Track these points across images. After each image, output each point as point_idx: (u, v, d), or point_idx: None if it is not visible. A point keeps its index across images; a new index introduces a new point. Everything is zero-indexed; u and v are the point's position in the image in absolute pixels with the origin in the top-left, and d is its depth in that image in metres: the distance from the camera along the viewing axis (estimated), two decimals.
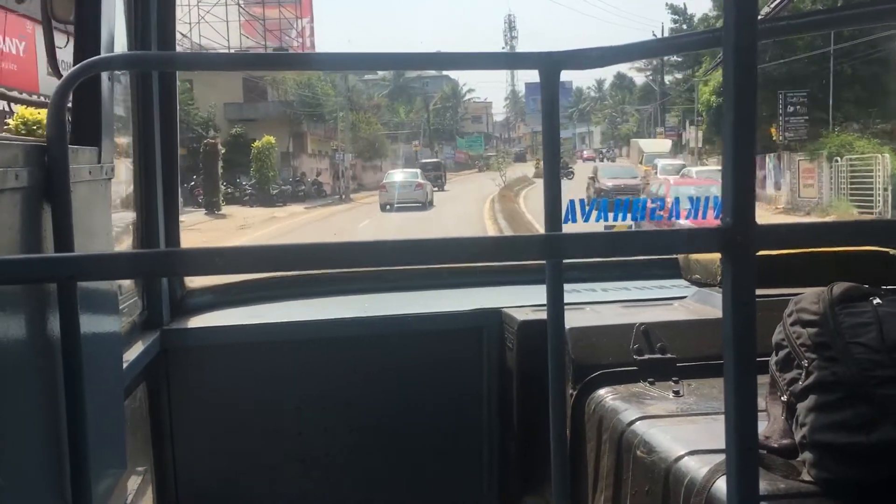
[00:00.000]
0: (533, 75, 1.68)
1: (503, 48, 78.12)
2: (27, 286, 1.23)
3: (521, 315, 2.44)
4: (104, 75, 1.60)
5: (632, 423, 1.77)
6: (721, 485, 1.39)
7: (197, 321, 2.59)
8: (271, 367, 2.54)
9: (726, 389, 0.80)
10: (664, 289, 2.80)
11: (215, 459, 2.52)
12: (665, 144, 47.63)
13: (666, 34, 42.74)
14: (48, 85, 13.27)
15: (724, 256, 0.79)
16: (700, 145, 37.84)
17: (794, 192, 25.73)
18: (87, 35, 1.59)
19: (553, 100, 1.64)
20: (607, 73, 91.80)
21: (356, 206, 34.23)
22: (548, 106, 1.63)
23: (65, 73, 1.41)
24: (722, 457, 1.43)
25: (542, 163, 1.71)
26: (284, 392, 2.53)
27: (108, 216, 1.70)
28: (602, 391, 2.00)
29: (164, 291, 2.50)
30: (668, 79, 55.99)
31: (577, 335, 2.11)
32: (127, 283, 2.29)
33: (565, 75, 1.65)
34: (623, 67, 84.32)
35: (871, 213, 21.42)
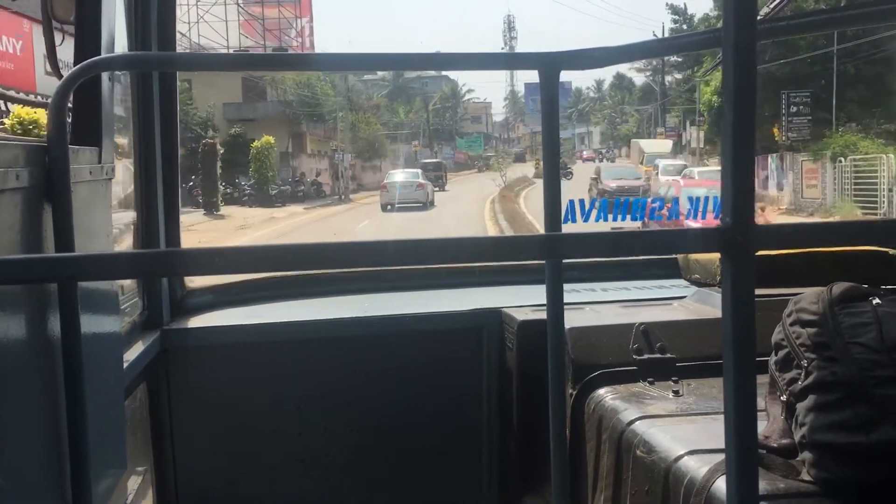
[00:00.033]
0: (532, 76, 1.68)
1: (502, 48, 78.15)
2: (28, 286, 1.23)
3: (521, 315, 2.44)
4: (104, 75, 1.60)
5: (631, 422, 1.78)
6: (721, 484, 1.39)
7: (197, 321, 2.59)
8: (271, 367, 2.54)
9: (726, 389, 0.80)
10: (664, 289, 2.81)
11: (215, 459, 2.52)
12: (666, 145, 47.43)
13: (666, 34, 42.74)
14: (45, 84, 13.21)
15: (723, 256, 0.79)
16: (702, 146, 37.64)
17: (797, 193, 25.50)
18: (88, 35, 1.59)
19: (553, 100, 1.64)
20: (606, 74, 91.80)
21: (355, 207, 34.19)
22: (548, 106, 1.63)
23: (65, 74, 1.41)
24: (721, 456, 1.43)
25: (541, 163, 1.71)
26: (284, 392, 2.54)
27: (108, 216, 1.70)
28: (602, 391, 2.00)
29: (164, 291, 2.50)
30: (668, 79, 55.98)
31: (576, 335, 2.11)
32: (127, 283, 2.29)
33: (564, 76, 1.65)
34: (622, 68, 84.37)
35: (876, 214, 21.14)
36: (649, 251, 0.83)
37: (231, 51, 33.75)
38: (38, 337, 1.30)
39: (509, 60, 1.75)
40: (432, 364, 2.61)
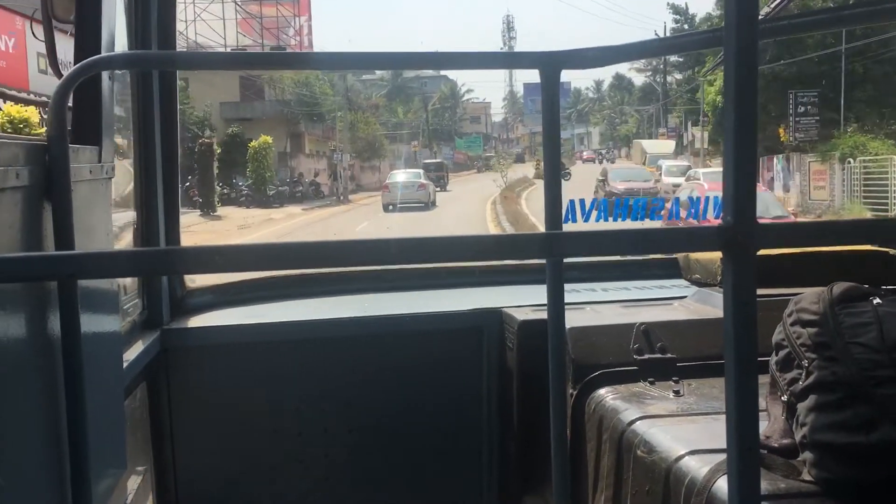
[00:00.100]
0: (531, 75, 1.68)
1: (501, 48, 78.18)
2: (27, 285, 1.23)
3: (521, 315, 2.44)
4: (104, 74, 1.60)
5: (632, 422, 1.77)
6: (721, 484, 1.39)
7: (197, 321, 2.59)
8: (271, 366, 2.54)
9: (727, 389, 0.80)
10: (664, 288, 2.81)
11: (215, 459, 2.52)
12: (669, 145, 47.10)
13: (668, 34, 42.72)
14: (38, 82, 13.14)
15: (724, 255, 0.79)
16: (706, 146, 37.35)
17: (804, 195, 25.29)
18: (88, 34, 1.59)
19: (553, 99, 1.63)
20: (606, 74, 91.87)
21: (354, 208, 34.12)
22: (548, 106, 1.63)
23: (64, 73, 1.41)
24: (722, 456, 1.43)
25: (541, 164, 1.71)
26: (284, 392, 2.53)
27: (108, 215, 1.70)
28: (602, 391, 2.00)
29: (164, 291, 2.50)
30: (668, 79, 55.96)
31: (577, 335, 2.11)
32: (127, 283, 2.29)
33: (564, 76, 1.64)
34: (622, 68, 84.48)
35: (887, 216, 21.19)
36: (650, 250, 0.82)
37: (229, 49, 33.70)
38: (37, 336, 1.30)
39: (509, 59, 1.75)
40: (432, 364, 2.61)
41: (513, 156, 67.59)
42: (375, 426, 2.58)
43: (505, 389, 2.54)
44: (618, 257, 3.12)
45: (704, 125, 36.92)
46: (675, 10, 47.98)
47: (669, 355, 2.08)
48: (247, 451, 2.52)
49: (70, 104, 1.46)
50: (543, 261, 1.90)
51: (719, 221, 0.78)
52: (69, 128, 1.46)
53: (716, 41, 1.62)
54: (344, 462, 2.56)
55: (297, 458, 2.54)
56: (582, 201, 2.54)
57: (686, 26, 46.83)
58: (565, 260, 1.83)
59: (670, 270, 2.77)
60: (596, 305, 2.53)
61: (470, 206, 29.93)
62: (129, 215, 2.48)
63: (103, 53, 1.61)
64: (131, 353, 2.12)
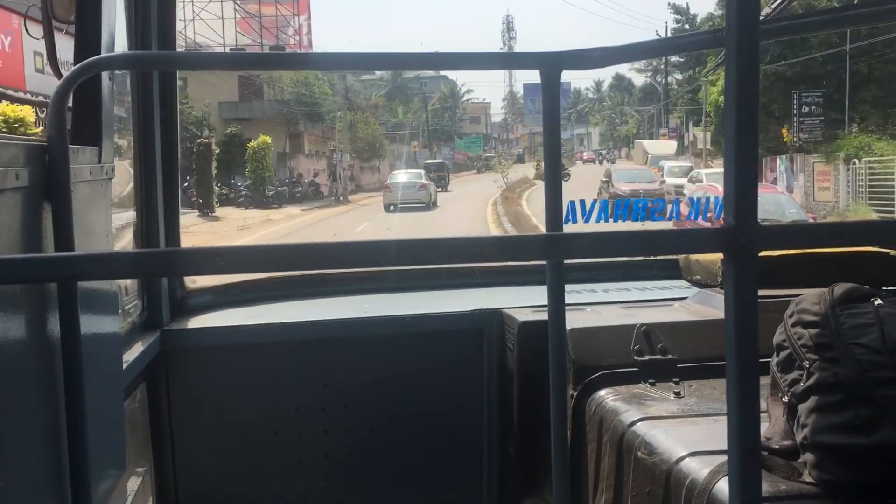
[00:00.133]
0: (531, 76, 1.68)
1: (501, 49, 78.19)
2: (27, 286, 1.23)
3: (522, 316, 2.44)
4: (104, 75, 1.60)
5: (633, 424, 1.77)
6: (722, 486, 1.39)
7: (197, 322, 2.59)
8: (271, 367, 2.54)
9: (728, 392, 0.80)
10: (665, 290, 2.81)
11: (215, 460, 2.52)
12: (670, 146, 46.74)
13: (669, 34, 42.71)
14: (35, 82, 13.05)
15: (726, 257, 0.78)
16: (708, 146, 37.08)
17: (808, 196, 25.02)
18: (88, 35, 1.59)
19: (554, 100, 1.63)
20: (606, 75, 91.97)
21: (354, 208, 34.05)
22: (549, 106, 1.63)
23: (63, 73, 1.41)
24: (723, 458, 1.43)
25: (542, 164, 1.71)
26: (284, 393, 2.53)
27: (108, 216, 1.70)
28: (603, 392, 1.99)
29: (164, 292, 2.50)
30: (669, 79, 55.95)
31: (577, 336, 2.11)
32: (127, 284, 2.29)
33: (563, 76, 1.64)
34: (622, 68, 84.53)
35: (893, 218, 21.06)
36: (652, 252, 0.82)
37: (227, 49, 33.59)
38: (37, 337, 1.30)
39: (510, 60, 1.74)
40: (432, 365, 2.61)
41: (514, 156, 67.60)
42: (375, 427, 2.58)
43: (505, 390, 2.54)
44: (618, 258, 3.12)
45: (707, 125, 36.66)
46: (676, 9, 48.00)
47: (670, 356, 2.08)
48: (247, 452, 2.52)
49: (70, 104, 1.45)
50: (544, 262, 1.89)
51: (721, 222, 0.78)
52: (69, 128, 1.46)
53: (717, 42, 1.62)
54: (343, 463, 2.56)
55: (296, 458, 2.54)
56: (582, 202, 2.53)
57: (687, 26, 46.83)
58: (566, 261, 1.83)
59: (671, 271, 2.77)
60: (596, 306, 2.53)
61: (471, 207, 29.90)
62: (129, 215, 2.48)
63: (103, 54, 1.61)
64: (131, 354, 2.12)
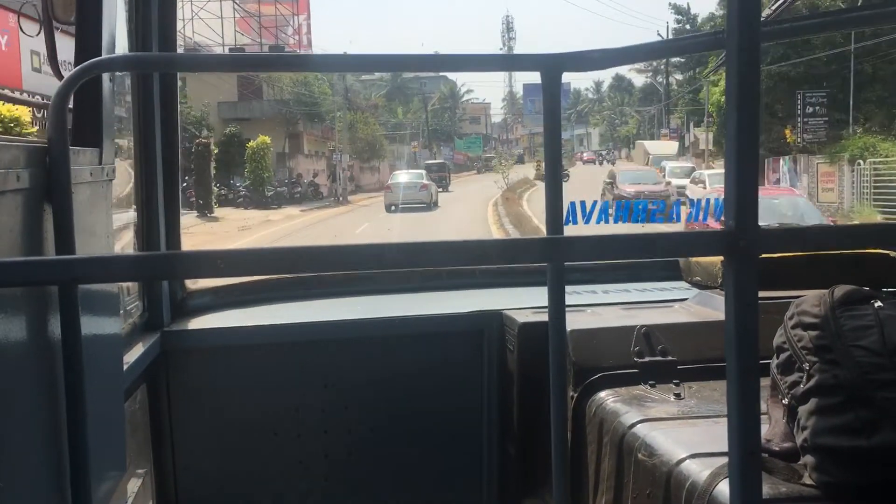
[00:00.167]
0: (531, 76, 1.68)
1: (500, 49, 78.17)
2: (28, 287, 1.23)
3: (522, 317, 2.44)
4: (105, 76, 1.60)
5: (633, 425, 1.77)
6: (723, 488, 1.39)
7: (197, 323, 2.59)
8: (271, 368, 2.54)
9: (729, 395, 0.80)
10: (665, 291, 2.80)
11: (215, 461, 2.52)
12: (672, 146, 46.25)
13: (670, 34, 42.67)
14: (32, 81, 12.98)
15: (727, 260, 0.78)
16: (710, 147, 36.79)
17: (812, 197, 24.60)
18: (89, 36, 1.59)
19: (555, 102, 1.63)
20: (605, 75, 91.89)
21: (354, 209, 33.96)
22: (549, 108, 1.63)
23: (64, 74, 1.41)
24: (723, 460, 1.43)
25: (542, 164, 1.70)
26: (284, 394, 2.53)
27: (108, 217, 1.70)
28: (603, 393, 1.99)
29: (164, 293, 2.50)
30: (669, 79, 55.93)
31: (577, 337, 2.11)
32: (128, 285, 2.29)
33: (563, 76, 1.63)
34: (622, 69, 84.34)
35: None
36: (652, 255, 0.82)
37: (226, 48, 33.43)
38: (38, 338, 1.30)
39: (511, 62, 1.74)
40: (433, 366, 2.61)
41: (515, 157, 67.54)
42: (375, 428, 2.58)
43: (505, 392, 2.54)
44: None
45: (709, 126, 36.35)
46: (677, 9, 47.97)
47: (670, 358, 2.08)
48: (247, 453, 2.52)
49: (70, 106, 1.45)
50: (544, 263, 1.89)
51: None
52: (70, 130, 1.46)
53: (718, 44, 1.62)
54: (344, 464, 2.56)
55: (296, 459, 2.54)
56: (583, 203, 2.54)
57: (688, 26, 46.80)
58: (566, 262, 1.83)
59: (671, 272, 2.77)
60: (596, 308, 2.53)
61: (472, 207, 29.84)
62: (129, 215, 2.48)
63: (104, 55, 1.61)
64: (132, 355, 2.12)
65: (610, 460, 1.85)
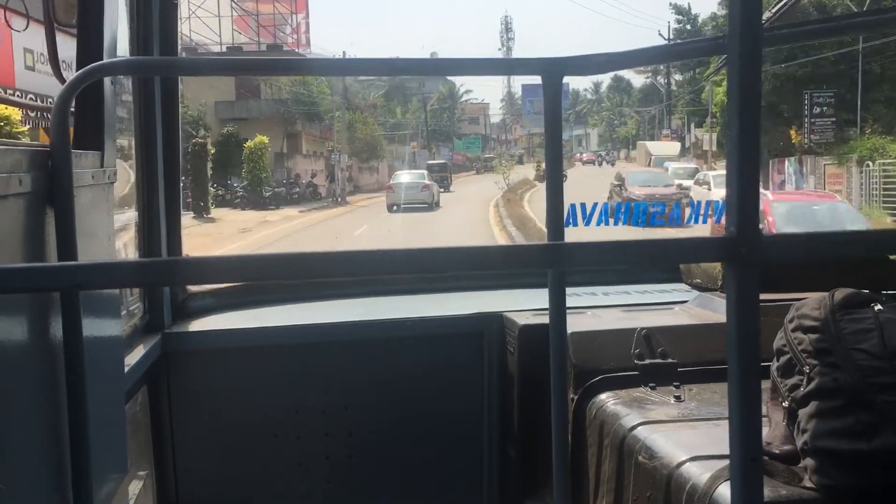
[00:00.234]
0: (530, 77, 1.68)
1: (500, 50, 78.19)
2: None
3: (523, 319, 2.44)
4: (107, 80, 1.60)
5: (633, 428, 1.78)
6: (723, 491, 1.39)
7: (198, 325, 2.59)
8: (272, 370, 2.54)
9: (730, 395, 0.80)
10: (665, 293, 2.81)
11: (216, 463, 2.52)
12: (674, 147, 45.51)
13: (671, 34, 42.61)
14: (24, 80, 12.94)
15: (728, 267, 0.78)
16: (714, 148, 36.42)
17: None
18: (90, 39, 1.59)
19: (556, 105, 1.63)
20: (604, 76, 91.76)
21: (353, 210, 33.81)
22: (550, 112, 1.63)
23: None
24: (723, 462, 1.43)
25: (541, 165, 1.71)
26: (285, 395, 2.53)
27: (110, 220, 1.70)
28: (603, 396, 2.00)
29: (165, 295, 2.50)
30: (669, 80, 55.86)
31: (578, 339, 2.11)
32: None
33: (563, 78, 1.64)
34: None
35: None
36: (653, 260, 0.82)
37: (224, 47, 33.25)
38: (39, 341, 1.30)
39: (512, 65, 1.75)
40: (433, 368, 2.61)
41: (515, 157, 67.48)
42: (376, 430, 2.58)
43: (506, 394, 2.54)
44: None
45: (713, 126, 35.91)
46: (678, 10, 47.93)
47: (670, 360, 2.08)
48: (248, 455, 2.52)
49: (72, 109, 1.46)
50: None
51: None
52: (71, 133, 1.46)
53: (720, 48, 1.62)
54: (344, 465, 2.56)
55: (297, 461, 2.54)
56: (583, 205, 2.54)
57: (689, 27, 46.75)
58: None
59: (671, 275, 2.77)
60: (597, 310, 2.54)
61: (473, 208, 29.73)
62: (129, 215, 2.48)
63: (105, 58, 1.61)
64: (133, 357, 2.12)
65: (610, 463, 1.85)
